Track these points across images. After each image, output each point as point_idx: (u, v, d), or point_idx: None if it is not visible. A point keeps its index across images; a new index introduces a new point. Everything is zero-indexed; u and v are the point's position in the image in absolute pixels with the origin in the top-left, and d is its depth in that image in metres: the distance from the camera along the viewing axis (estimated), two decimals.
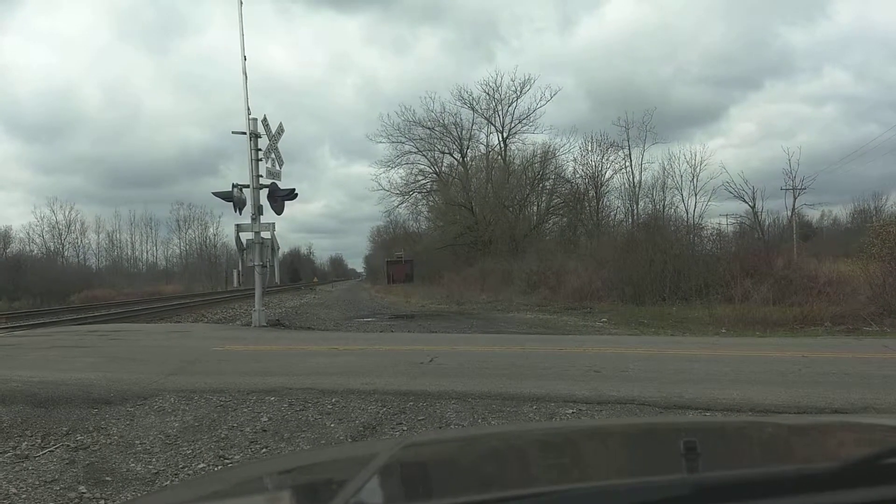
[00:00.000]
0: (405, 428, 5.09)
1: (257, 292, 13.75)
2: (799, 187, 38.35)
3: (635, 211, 36.58)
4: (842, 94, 73.07)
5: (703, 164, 35.63)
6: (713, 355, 8.26)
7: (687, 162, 36.29)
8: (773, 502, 0.73)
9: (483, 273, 30.80)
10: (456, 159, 43.00)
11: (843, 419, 2.04)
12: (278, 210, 13.63)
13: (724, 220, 33.44)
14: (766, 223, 38.66)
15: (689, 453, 0.90)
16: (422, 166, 43.08)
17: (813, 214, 47.25)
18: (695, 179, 36.36)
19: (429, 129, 41.12)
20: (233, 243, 13.98)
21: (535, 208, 41.07)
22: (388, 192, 42.54)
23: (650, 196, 36.72)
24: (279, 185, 13.63)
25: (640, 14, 78.84)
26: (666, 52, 73.98)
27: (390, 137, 40.98)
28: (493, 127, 41.50)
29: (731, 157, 70.93)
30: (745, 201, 36.16)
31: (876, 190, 51.04)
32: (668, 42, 72.94)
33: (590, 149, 39.48)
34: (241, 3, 13.34)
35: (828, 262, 19.43)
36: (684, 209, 34.87)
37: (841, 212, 53.09)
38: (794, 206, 39.54)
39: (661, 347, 9.35)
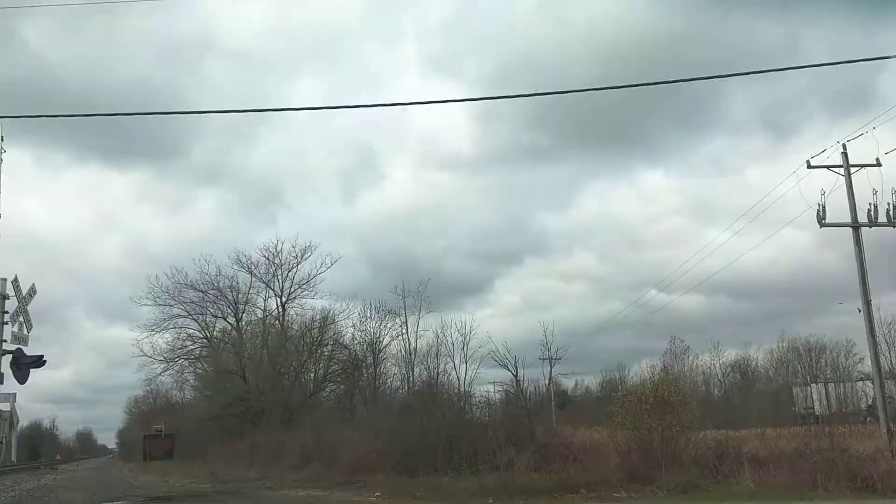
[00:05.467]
0: None
1: None
2: (554, 357, 41.87)
3: (411, 378, 37.37)
4: (589, 274, 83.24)
5: (472, 333, 37.61)
6: None
7: (458, 330, 38.17)
8: None
9: (253, 447, 29.16)
10: (230, 324, 41.37)
11: None
12: (22, 379, 12.17)
13: (491, 388, 35.25)
14: (529, 391, 41.34)
15: None
16: (191, 331, 40.79)
17: (568, 383, 51.35)
18: (465, 347, 38.20)
19: (202, 292, 39.51)
20: None
21: (312, 375, 40.34)
22: (151, 359, 39.39)
23: (425, 363, 37.86)
24: (25, 352, 12.26)
25: (417, 195, 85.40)
26: (439, 227, 80.00)
27: (157, 300, 38.62)
28: (271, 291, 41.03)
29: (498, 326, 76.38)
30: (508, 370, 38.50)
31: (620, 361, 56.80)
32: (441, 219, 79.08)
33: (368, 315, 40.40)
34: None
35: (582, 430, 21.10)
36: (456, 376, 36.35)
37: (592, 381, 58.21)
38: (550, 374, 42.86)
39: None
